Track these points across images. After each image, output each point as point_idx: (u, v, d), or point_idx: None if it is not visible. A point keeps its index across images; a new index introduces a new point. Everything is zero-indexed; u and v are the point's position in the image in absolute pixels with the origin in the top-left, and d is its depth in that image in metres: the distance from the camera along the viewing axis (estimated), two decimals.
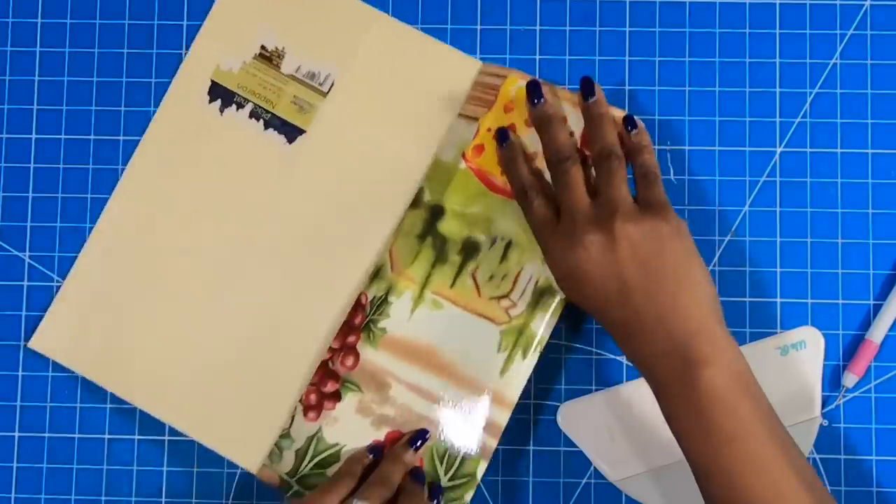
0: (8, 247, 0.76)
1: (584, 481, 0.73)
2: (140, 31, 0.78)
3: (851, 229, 0.74)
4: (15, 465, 0.75)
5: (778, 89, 0.76)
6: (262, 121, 0.75)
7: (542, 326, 0.71)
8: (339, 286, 0.73)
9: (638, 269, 0.64)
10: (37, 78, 0.78)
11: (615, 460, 0.72)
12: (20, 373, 0.75)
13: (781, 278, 0.74)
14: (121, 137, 0.77)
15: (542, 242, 0.69)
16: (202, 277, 0.74)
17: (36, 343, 0.74)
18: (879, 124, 0.75)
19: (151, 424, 0.74)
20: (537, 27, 0.77)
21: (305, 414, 0.71)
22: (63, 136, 0.77)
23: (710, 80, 0.76)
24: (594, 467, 0.73)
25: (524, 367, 0.71)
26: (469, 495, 0.70)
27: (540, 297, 0.71)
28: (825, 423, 0.73)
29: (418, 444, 0.70)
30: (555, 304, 0.71)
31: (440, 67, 0.75)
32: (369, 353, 0.71)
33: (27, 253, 0.76)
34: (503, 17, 0.77)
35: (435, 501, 0.70)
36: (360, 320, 0.72)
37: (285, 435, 0.71)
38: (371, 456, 0.71)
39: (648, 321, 0.63)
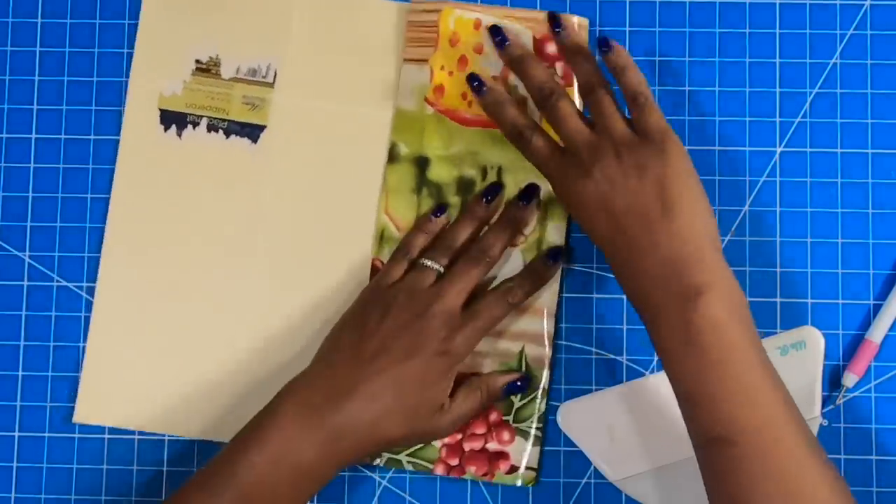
0: (8, 247, 0.76)
1: (583, 481, 0.73)
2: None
3: (851, 229, 0.74)
4: (15, 465, 0.75)
5: (778, 89, 0.76)
6: (221, 131, 0.76)
7: (556, 234, 0.73)
8: (349, 260, 0.74)
9: (638, 197, 0.64)
10: (37, 78, 0.78)
11: (615, 460, 0.72)
12: (20, 373, 0.75)
13: (781, 278, 0.74)
14: (121, 137, 0.77)
15: (550, 177, 0.69)
16: (214, 297, 0.75)
17: (80, 417, 0.74)
18: (879, 124, 0.75)
19: None
20: None
21: None
22: (63, 136, 0.77)
23: (710, 80, 0.76)
24: (594, 467, 0.73)
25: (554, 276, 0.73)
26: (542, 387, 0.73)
27: (546, 208, 0.73)
28: (825, 422, 0.73)
29: (489, 197, 0.72)
30: (561, 210, 0.73)
31: (372, 20, 0.76)
32: None
33: (27, 253, 0.76)
34: None
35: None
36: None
37: None
38: (436, 216, 0.73)
39: (648, 245, 0.64)
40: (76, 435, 0.75)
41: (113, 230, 0.75)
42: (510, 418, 0.72)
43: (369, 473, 0.74)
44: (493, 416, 0.72)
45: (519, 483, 0.72)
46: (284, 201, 0.75)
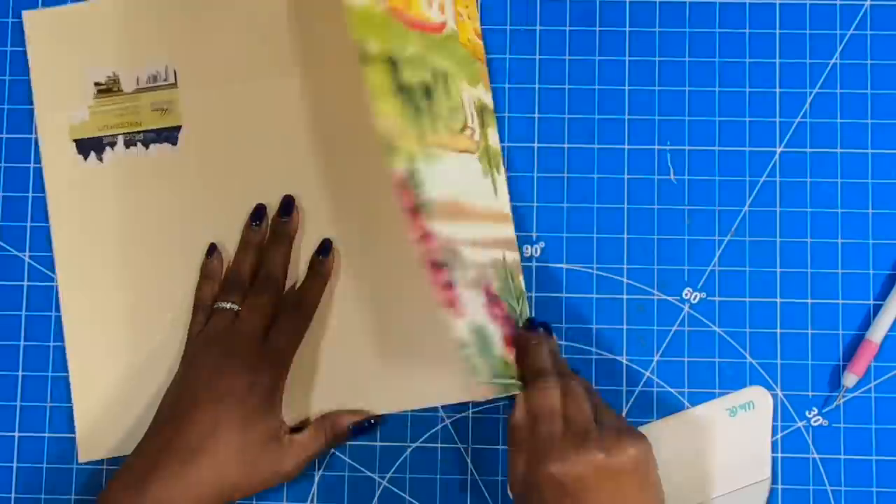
0: (8, 247, 0.76)
1: None
2: None
3: (851, 229, 0.74)
4: (15, 465, 0.75)
5: (778, 89, 0.76)
6: (139, 144, 0.75)
7: (495, 138, 0.73)
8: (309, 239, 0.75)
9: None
10: None
11: None
12: (20, 373, 0.75)
13: (781, 278, 0.74)
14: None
15: (544, 438, 0.64)
16: (180, 308, 0.74)
17: (85, 455, 0.74)
18: (879, 124, 0.75)
19: None
20: (537, 27, 0.77)
21: (452, 313, 0.64)
22: None
23: (710, 80, 0.76)
24: None
25: (501, 180, 0.73)
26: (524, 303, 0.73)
27: (482, 115, 0.72)
28: (825, 423, 0.73)
29: (257, 221, 0.74)
30: (489, 116, 0.73)
31: None
32: (438, 229, 0.63)
33: (27, 253, 0.76)
34: (503, 17, 0.77)
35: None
36: (409, 201, 0.61)
37: (463, 346, 0.65)
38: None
39: None
40: (76, 435, 0.75)
41: (64, 269, 0.75)
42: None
43: (369, 473, 0.74)
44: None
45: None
46: (224, 190, 0.75)
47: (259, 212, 0.74)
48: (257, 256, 0.74)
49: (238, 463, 0.67)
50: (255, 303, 0.71)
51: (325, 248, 0.74)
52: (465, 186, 0.69)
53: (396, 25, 0.65)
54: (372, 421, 0.72)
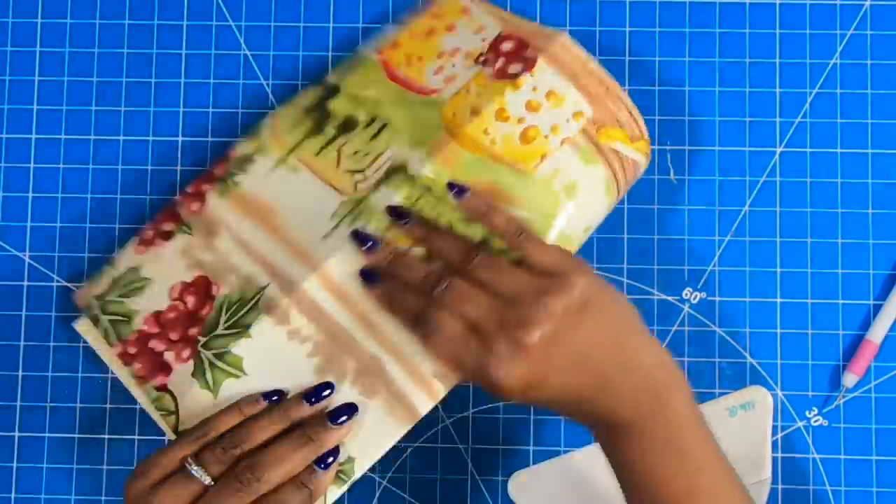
0: (8, 247, 0.76)
1: None
2: (140, 31, 0.78)
3: (851, 229, 0.74)
4: (15, 465, 0.75)
5: (778, 89, 0.76)
6: None
7: (380, 200, 0.69)
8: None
9: (584, 338, 0.61)
10: (37, 78, 0.78)
11: None
12: (20, 373, 0.75)
13: (781, 278, 0.74)
14: (121, 137, 0.77)
15: (471, 371, 0.61)
16: None
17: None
18: (879, 124, 0.75)
19: (151, 424, 0.74)
20: None
21: (135, 248, 0.71)
22: (63, 136, 0.77)
23: (710, 80, 0.76)
24: None
25: (342, 232, 0.69)
26: None
27: (389, 174, 0.71)
28: (825, 423, 0.73)
29: (319, 395, 0.64)
30: (399, 179, 0.70)
31: None
32: (214, 202, 0.71)
33: (27, 253, 0.76)
34: None
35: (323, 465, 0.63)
36: (222, 172, 0.72)
37: (110, 262, 0.72)
38: (264, 401, 0.64)
39: (614, 374, 0.60)
40: (76, 435, 0.75)
41: None
42: None
43: (369, 473, 0.74)
44: None
45: None
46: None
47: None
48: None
49: None
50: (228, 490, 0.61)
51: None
52: (301, 210, 0.70)
53: (378, 73, 0.73)
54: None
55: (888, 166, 0.75)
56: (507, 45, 0.72)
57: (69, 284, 0.76)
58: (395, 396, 0.66)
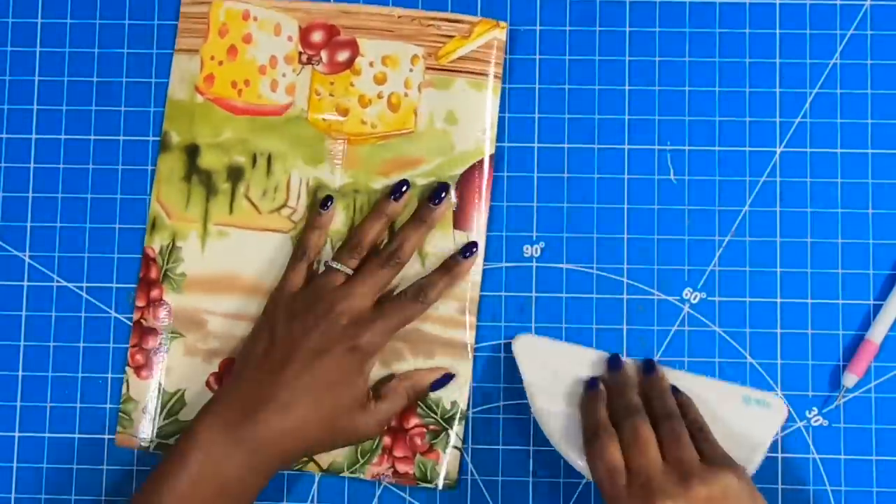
0: (8, 247, 0.76)
1: (584, 481, 0.73)
2: (140, 31, 0.78)
3: (851, 229, 0.74)
4: (15, 465, 0.75)
5: (778, 89, 0.76)
6: None
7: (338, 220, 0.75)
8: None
9: None
10: (37, 78, 0.78)
11: (542, 394, 0.72)
12: (20, 373, 0.75)
13: (781, 278, 0.74)
14: (121, 137, 0.77)
15: (612, 497, 0.65)
16: None
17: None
18: (879, 124, 0.75)
19: None
20: (537, 27, 0.77)
21: (138, 374, 0.74)
22: (63, 136, 0.77)
23: (710, 80, 0.76)
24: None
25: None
26: None
27: (315, 195, 0.74)
28: (825, 423, 0.73)
29: (397, 194, 0.73)
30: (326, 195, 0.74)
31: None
32: (177, 300, 0.74)
33: (27, 253, 0.76)
34: (503, 17, 0.77)
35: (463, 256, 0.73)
36: (157, 273, 0.74)
37: (127, 400, 0.74)
38: (323, 209, 0.74)
39: None
40: (76, 435, 0.75)
41: None
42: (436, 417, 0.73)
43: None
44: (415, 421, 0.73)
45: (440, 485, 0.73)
46: None
47: (401, 185, 0.73)
48: (384, 229, 0.73)
49: (325, 423, 0.68)
50: (374, 275, 0.71)
51: (469, 249, 0.73)
52: (259, 263, 0.74)
53: (218, 113, 0.75)
54: (447, 376, 0.73)
55: (888, 166, 0.75)
56: (316, 36, 0.75)
57: (69, 284, 0.76)
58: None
